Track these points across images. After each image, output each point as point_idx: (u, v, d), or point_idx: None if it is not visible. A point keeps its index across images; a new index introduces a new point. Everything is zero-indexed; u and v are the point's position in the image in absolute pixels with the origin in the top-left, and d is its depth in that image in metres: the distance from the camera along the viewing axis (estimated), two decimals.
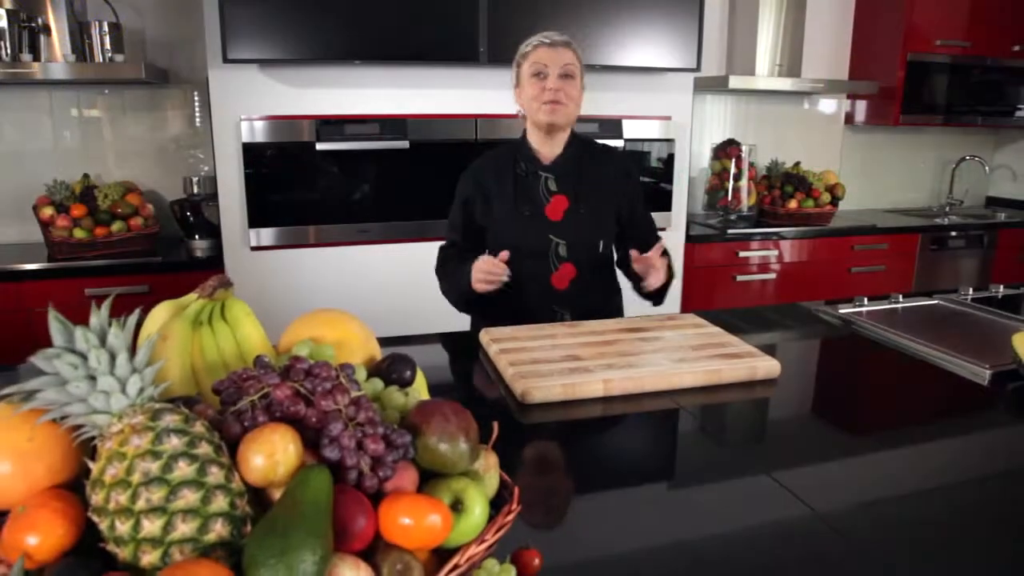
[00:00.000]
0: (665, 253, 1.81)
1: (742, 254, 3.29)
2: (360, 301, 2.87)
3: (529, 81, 1.75)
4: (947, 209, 4.03)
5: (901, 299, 2.01)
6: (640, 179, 1.96)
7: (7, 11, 2.52)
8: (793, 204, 3.43)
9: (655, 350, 1.49)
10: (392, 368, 0.87)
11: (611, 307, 1.94)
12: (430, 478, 0.76)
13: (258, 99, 2.65)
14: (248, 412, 0.71)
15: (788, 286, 3.39)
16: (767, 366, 1.43)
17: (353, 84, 2.73)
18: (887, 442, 1.21)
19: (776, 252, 3.34)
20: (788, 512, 0.98)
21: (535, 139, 1.83)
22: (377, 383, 0.85)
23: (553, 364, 1.40)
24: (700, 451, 1.18)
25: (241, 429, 0.69)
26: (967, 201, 4.18)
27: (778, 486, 1.03)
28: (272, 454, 0.65)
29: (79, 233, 2.67)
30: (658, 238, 1.98)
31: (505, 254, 1.68)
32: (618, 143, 3.04)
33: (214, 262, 2.74)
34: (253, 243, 2.74)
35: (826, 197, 3.45)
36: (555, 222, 1.81)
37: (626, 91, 3.03)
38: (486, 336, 1.58)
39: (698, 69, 2.96)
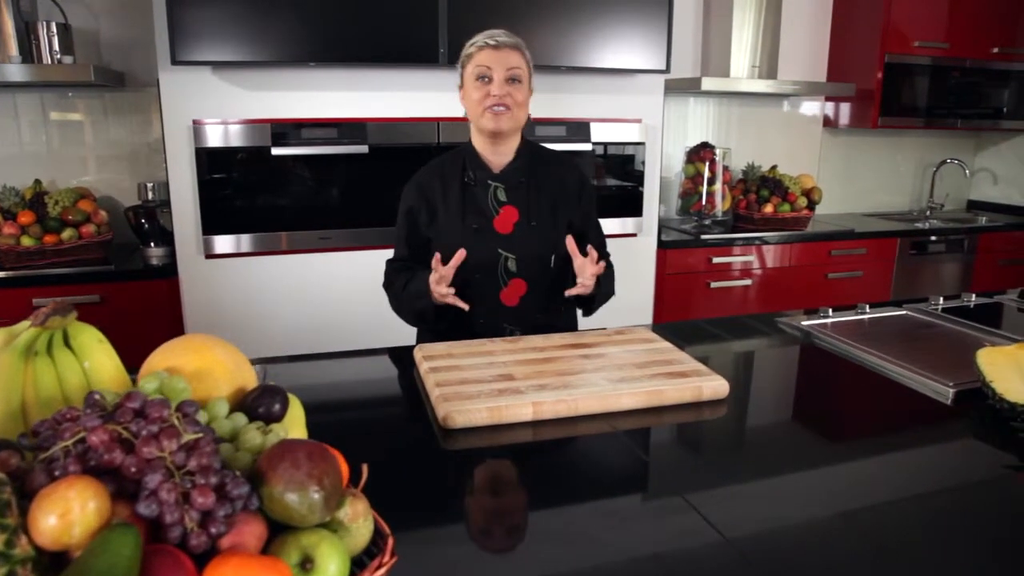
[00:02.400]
0: (608, 270, 1.77)
1: (716, 260, 3.21)
2: (321, 310, 2.79)
3: (473, 85, 1.66)
4: (928, 213, 3.95)
5: (868, 309, 1.92)
6: (594, 189, 1.87)
7: None
8: (769, 208, 3.36)
9: (596, 368, 1.40)
10: (258, 402, 0.78)
11: (565, 324, 1.84)
12: (283, 530, 0.68)
13: (211, 102, 2.56)
14: (60, 460, 0.62)
15: (764, 292, 3.31)
16: (713, 386, 1.35)
17: (310, 87, 2.65)
18: (833, 467, 1.13)
19: (751, 258, 3.26)
20: (698, 539, 0.90)
21: (481, 146, 1.74)
22: (240, 419, 0.76)
23: (483, 385, 1.31)
24: (623, 479, 1.09)
25: (48, 480, 0.61)
26: (948, 205, 4.11)
27: (697, 516, 0.95)
28: (66, 513, 0.56)
29: (27, 241, 2.58)
30: (604, 248, 1.89)
31: (461, 254, 1.59)
32: (586, 147, 2.96)
33: (168, 270, 2.65)
34: (208, 251, 2.65)
35: (802, 201, 3.38)
36: (504, 235, 1.72)
37: (594, 93, 2.95)
38: (419, 353, 1.50)
39: (667, 71, 2.88)
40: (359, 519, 0.72)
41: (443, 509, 1.01)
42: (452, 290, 1.60)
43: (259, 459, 0.68)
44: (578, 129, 2.95)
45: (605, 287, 1.73)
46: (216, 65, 2.51)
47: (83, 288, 2.55)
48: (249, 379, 0.83)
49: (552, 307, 1.79)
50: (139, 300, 2.62)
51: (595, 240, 1.85)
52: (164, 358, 0.80)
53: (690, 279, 3.22)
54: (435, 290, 1.60)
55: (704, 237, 3.20)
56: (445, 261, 1.72)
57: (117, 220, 2.87)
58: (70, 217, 2.65)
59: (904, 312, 1.94)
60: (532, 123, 2.87)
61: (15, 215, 2.60)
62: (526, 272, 1.72)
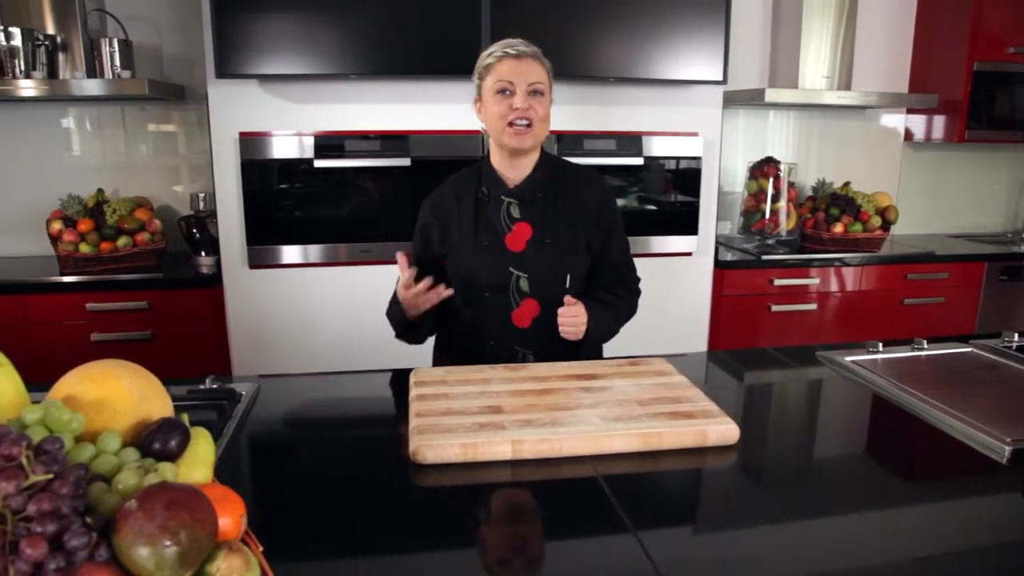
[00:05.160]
0: (614, 305, 1.67)
1: (778, 282, 3.00)
2: (361, 323, 2.77)
3: (493, 99, 1.58)
4: (1023, 235, 3.59)
5: (926, 345, 1.72)
6: (617, 206, 1.75)
7: (22, 30, 2.57)
8: (839, 228, 3.12)
9: (593, 404, 1.29)
10: (152, 437, 0.73)
11: (585, 349, 1.70)
12: None
13: (258, 115, 2.60)
14: None
15: (832, 318, 3.08)
16: (721, 430, 1.21)
17: (354, 99, 2.65)
18: (837, 534, 0.98)
19: (817, 280, 3.03)
20: None
21: (499, 160, 1.67)
22: (129, 456, 0.71)
23: (465, 417, 1.22)
24: (584, 533, 0.97)
25: None
26: None
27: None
28: None
29: (85, 248, 2.69)
30: (631, 271, 1.77)
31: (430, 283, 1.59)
32: (638, 161, 2.84)
33: (214, 279, 2.70)
34: (252, 261, 2.68)
35: (876, 221, 3.12)
36: (516, 253, 1.64)
37: (647, 105, 2.83)
38: (413, 377, 1.43)
39: (724, 81, 2.72)
40: (234, 574, 0.64)
41: (386, 555, 0.93)
42: (421, 288, 1.58)
43: (121, 505, 0.62)
44: (629, 143, 2.83)
45: (597, 324, 1.61)
46: (263, 78, 2.55)
47: (132, 295, 2.62)
48: (158, 410, 0.78)
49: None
50: (185, 308, 2.68)
51: (618, 259, 1.74)
52: (67, 385, 0.76)
53: (750, 302, 3.03)
54: (402, 295, 1.60)
55: (765, 257, 3.01)
56: (457, 279, 1.66)
57: (173, 229, 2.95)
58: (126, 225, 2.74)
59: (968, 349, 1.73)
60: (580, 136, 2.78)
61: (76, 223, 2.70)
62: (539, 292, 1.63)
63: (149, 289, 2.64)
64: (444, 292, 1.60)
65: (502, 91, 1.56)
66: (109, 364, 0.78)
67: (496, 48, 1.60)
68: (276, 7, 2.42)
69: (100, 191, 2.91)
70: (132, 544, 0.59)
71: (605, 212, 1.69)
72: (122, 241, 2.73)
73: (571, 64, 2.64)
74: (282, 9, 2.43)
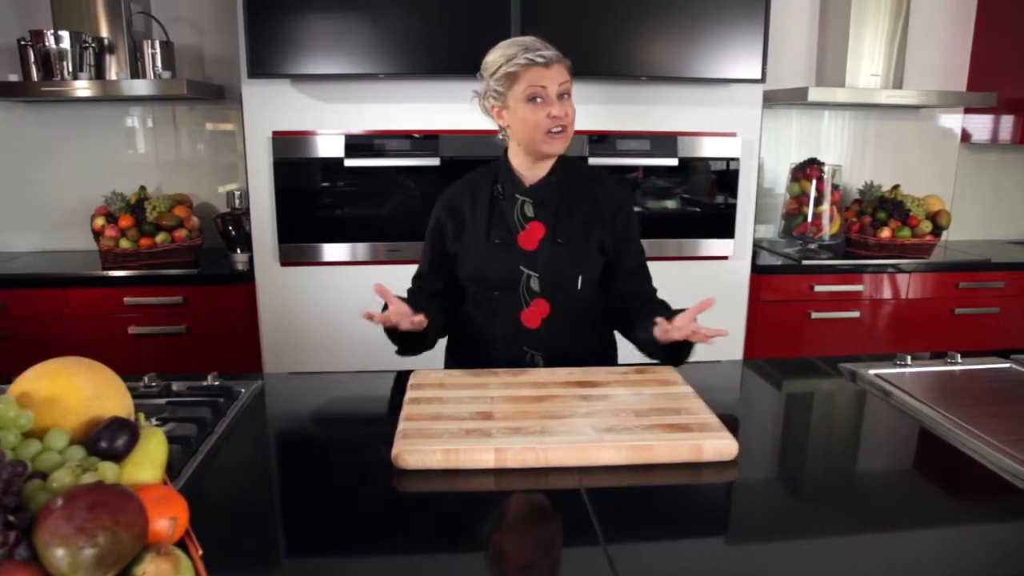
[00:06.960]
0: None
1: (818, 288, 2.89)
2: None
3: (525, 106, 1.53)
4: None
5: (960, 360, 1.62)
6: (634, 211, 1.70)
7: (71, 33, 2.66)
8: (886, 233, 2.98)
9: (588, 413, 1.25)
10: (99, 435, 0.73)
11: (597, 354, 1.66)
12: None
13: (290, 115, 2.63)
14: None
15: (875, 327, 2.95)
16: (718, 446, 1.15)
17: (384, 99, 2.66)
18: (829, 559, 0.92)
19: (860, 287, 2.90)
20: None
21: (520, 161, 1.64)
22: (75, 454, 0.71)
23: (453, 423, 1.20)
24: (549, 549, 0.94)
25: None
26: None
27: None
28: None
29: (125, 243, 2.77)
30: (648, 280, 1.71)
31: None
32: (672, 162, 2.77)
33: (247, 276, 2.75)
34: (284, 258, 2.72)
35: (926, 226, 2.97)
36: (528, 252, 1.61)
37: (682, 105, 2.75)
38: (412, 379, 1.41)
39: (763, 80, 2.63)
40: None
41: (356, 558, 0.91)
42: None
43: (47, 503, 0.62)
44: (664, 143, 2.77)
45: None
46: (295, 78, 2.58)
47: (169, 290, 2.69)
48: (113, 409, 0.78)
49: (583, 336, 1.66)
50: (220, 304, 2.73)
51: (633, 266, 1.69)
52: (24, 382, 0.76)
53: (788, 308, 2.93)
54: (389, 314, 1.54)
55: (806, 262, 2.90)
56: (467, 276, 1.64)
57: (211, 226, 3.02)
58: (165, 222, 2.81)
59: (1008, 365, 1.62)
60: (613, 137, 2.73)
61: (117, 219, 2.79)
62: (549, 292, 1.60)
63: (185, 285, 2.70)
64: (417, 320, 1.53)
65: (534, 98, 1.53)
66: (67, 361, 0.79)
67: (517, 53, 1.55)
68: (308, 7, 2.45)
69: (142, 188, 2.99)
70: (48, 544, 0.59)
71: (621, 216, 1.65)
72: (161, 237, 2.80)
73: (603, 63, 2.60)
74: (314, 9, 2.45)
